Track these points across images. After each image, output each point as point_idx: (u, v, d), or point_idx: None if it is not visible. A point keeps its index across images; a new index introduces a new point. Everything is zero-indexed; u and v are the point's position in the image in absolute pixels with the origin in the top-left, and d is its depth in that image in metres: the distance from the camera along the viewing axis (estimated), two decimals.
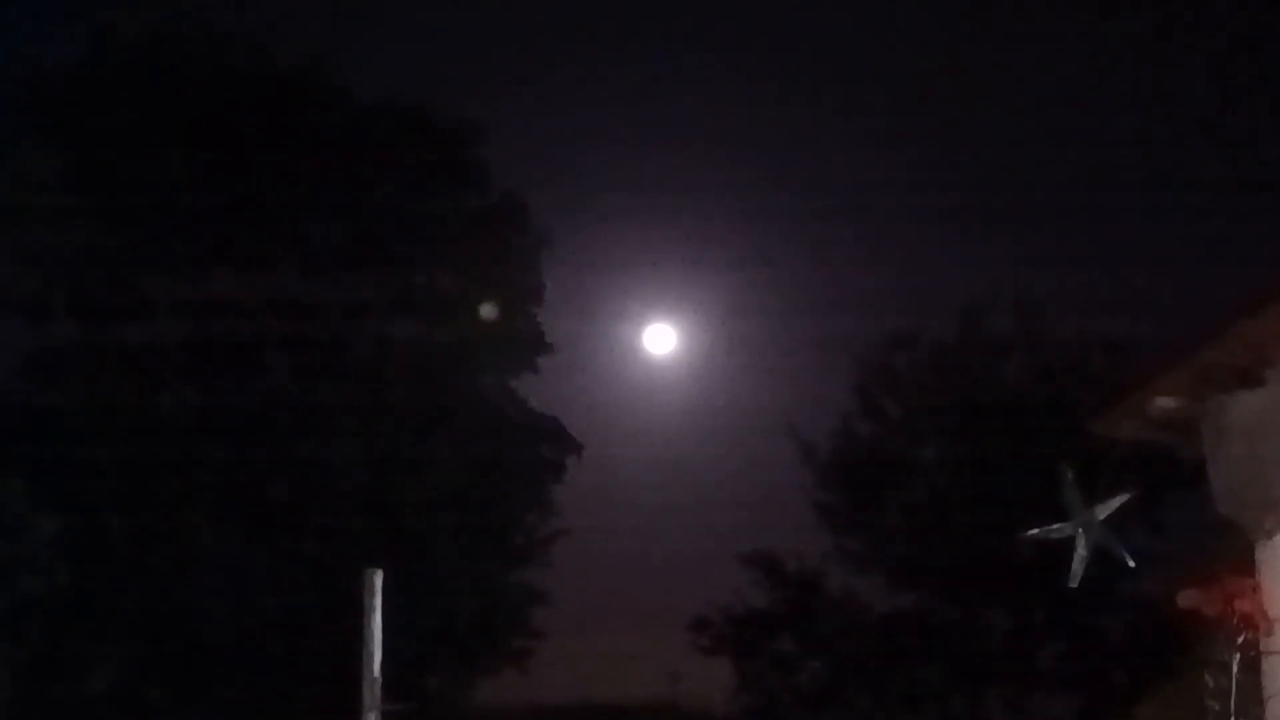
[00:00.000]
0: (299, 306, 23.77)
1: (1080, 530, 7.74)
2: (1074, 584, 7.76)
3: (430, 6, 25.06)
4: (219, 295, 23.73)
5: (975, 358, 26.05)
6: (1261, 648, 7.32)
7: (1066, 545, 7.69)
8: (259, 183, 23.39)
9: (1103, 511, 7.76)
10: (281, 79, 23.91)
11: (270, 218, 23.51)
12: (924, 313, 26.57)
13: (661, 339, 25.28)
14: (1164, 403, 7.76)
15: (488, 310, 23.85)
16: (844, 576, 27.48)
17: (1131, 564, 7.78)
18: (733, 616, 27.82)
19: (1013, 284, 25.87)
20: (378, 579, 8.65)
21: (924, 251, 26.10)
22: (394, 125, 24.32)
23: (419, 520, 23.06)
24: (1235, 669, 7.29)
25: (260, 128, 23.44)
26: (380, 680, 8.77)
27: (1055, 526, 7.78)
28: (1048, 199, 25.04)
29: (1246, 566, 7.55)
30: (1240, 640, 7.29)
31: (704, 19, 26.29)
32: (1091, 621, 25.05)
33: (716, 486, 26.69)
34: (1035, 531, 7.91)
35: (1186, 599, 7.36)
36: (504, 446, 24.32)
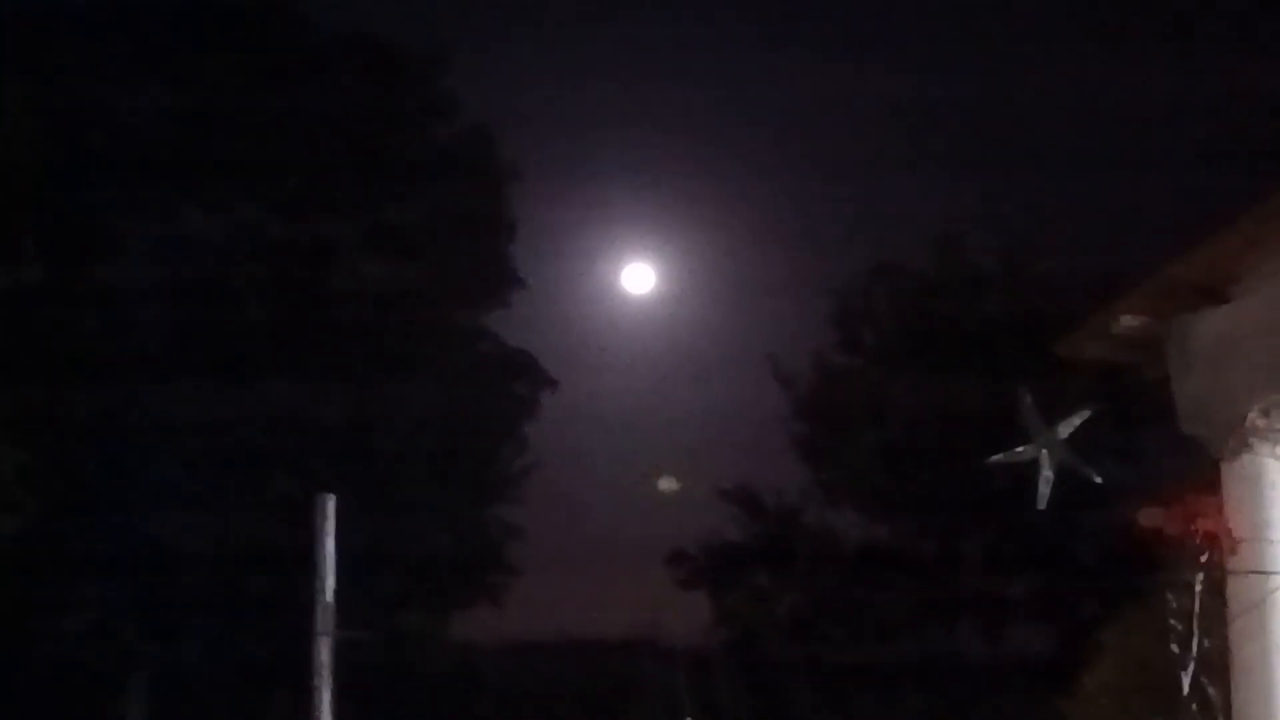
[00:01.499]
0: (265, 241, 23.56)
1: (1044, 452, 7.64)
2: (1041, 506, 7.68)
3: None
4: (184, 230, 23.49)
5: (953, 288, 25.92)
6: (1226, 567, 7.24)
7: (1035, 470, 7.60)
8: (221, 117, 23.09)
9: (1064, 430, 7.67)
10: (242, 9, 23.54)
11: (234, 152, 23.19)
12: (902, 244, 26.49)
13: (640, 277, 25.09)
14: (1128, 322, 7.66)
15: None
16: (821, 510, 27.67)
17: (1098, 481, 7.69)
18: (710, 550, 27.85)
19: (991, 212, 25.76)
20: (330, 504, 8.51)
21: (902, 182, 25.86)
22: (357, 55, 24.01)
23: (392, 456, 22.95)
24: (1198, 589, 7.21)
25: (221, 60, 23.15)
26: (333, 605, 8.63)
27: (1019, 450, 7.69)
28: (1024, 128, 24.80)
29: (1211, 486, 7.47)
30: (1203, 560, 7.21)
31: None
32: (1061, 548, 25.03)
33: (697, 422, 26.66)
34: (999, 456, 7.81)
35: (1149, 518, 7.27)
36: (477, 381, 24.22)
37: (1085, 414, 7.60)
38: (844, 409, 26.85)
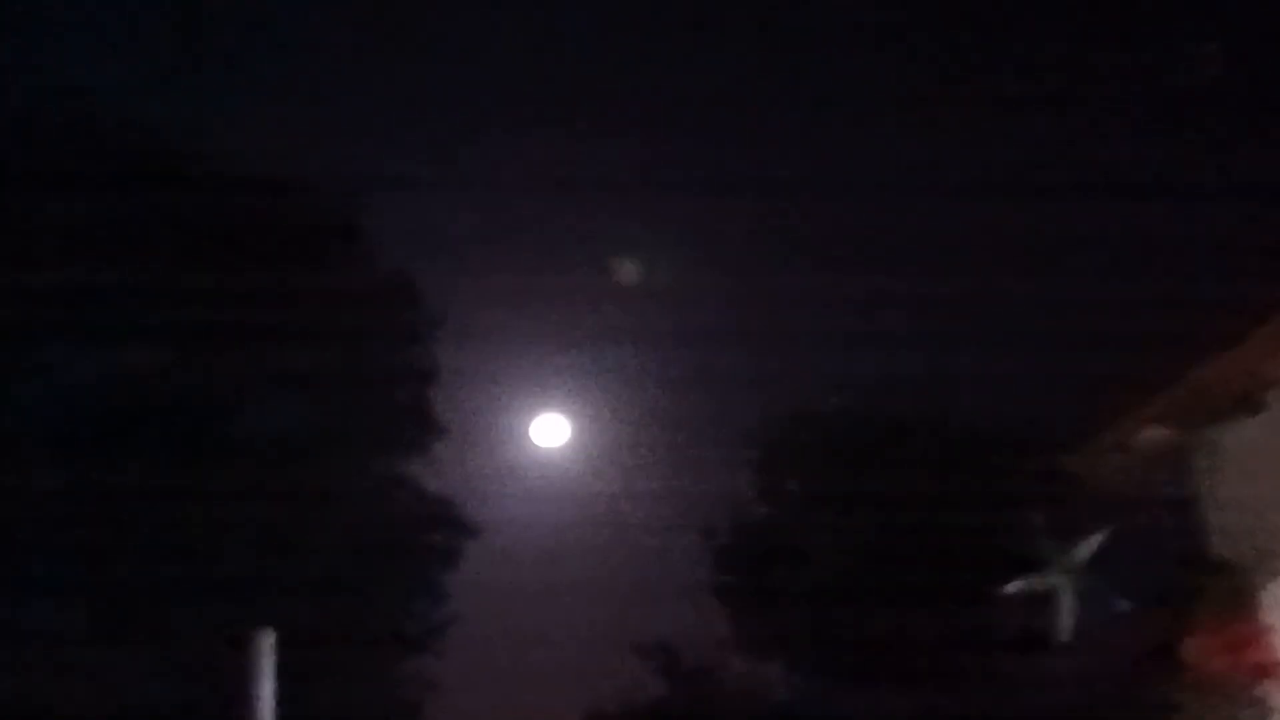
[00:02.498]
0: (179, 385, 22.72)
1: (1064, 579, 7.00)
2: (1065, 638, 7.01)
3: (315, 74, 24.16)
4: (92, 374, 22.62)
5: (880, 434, 25.46)
6: (1272, 701, 6.57)
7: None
8: (132, 257, 22.37)
9: (1084, 553, 7.03)
10: (152, 150, 22.88)
11: (146, 294, 22.45)
12: (827, 390, 25.95)
13: (557, 427, 24.75)
14: (1152, 434, 7.05)
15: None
16: (745, 663, 26.98)
17: (1126, 608, 7.05)
18: (628, 709, 27.07)
19: (920, 359, 25.28)
20: (268, 641, 7.64)
21: (828, 327, 25.38)
22: (272, 195, 23.43)
23: (304, 607, 21.95)
24: None
25: (133, 200, 22.46)
26: None
27: (1034, 577, 7.03)
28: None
29: (1247, 613, 6.82)
30: (1255, 694, 6.53)
31: (599, 94, 25.58)
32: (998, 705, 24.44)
33: (617, 576, 25.90)
34: (1015, 586, 7.15)
35: (1192, 652, 6.59)
36: (395, 531, 23.44)
37: (1104, 535, 6.98)
38: (766, 558, 26.31)
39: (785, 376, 25.86)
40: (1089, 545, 6.96)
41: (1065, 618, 6.94)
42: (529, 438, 25.05)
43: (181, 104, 22.67)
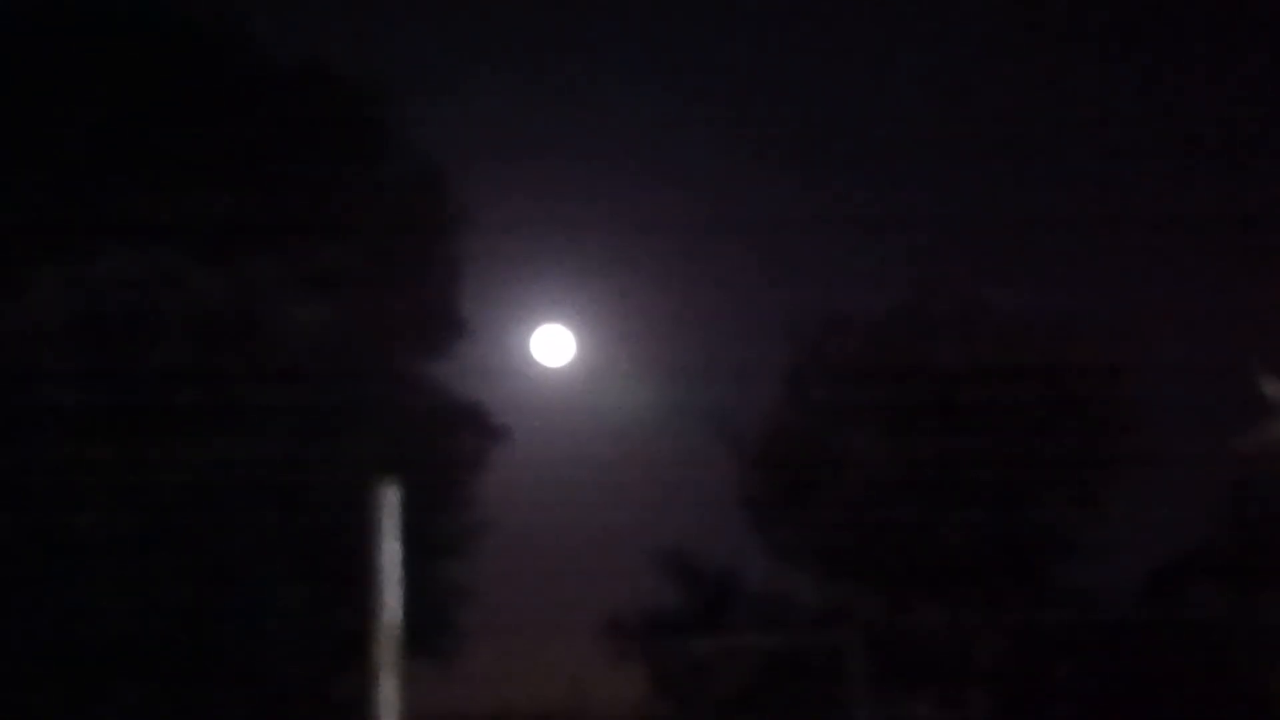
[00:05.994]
0: (196, 283, 22.13)
1: None
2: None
3: None
4: (107, 271, 21.99)
5: (911, 342, 25.07)
6: None
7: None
8: (147, 147, 21.76)
9: None
10: (173, 31, 22.15)
11: (162, 186, 21.83)
12: (858, 298, 25.53)
13: (581, 331, 24.11)
14: None
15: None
16: (772, 572, 26.71)
17: None
18: (647, 617, 26.79)
19: (952, 268, 24.95)
20: (393, 494, 7.13)
21: (857, 237, 24.91)
22: (299, 86, 22.74)
23: (333, 509, 21.50)
24: None
25: (150, 85, 21.77)
26: (401, 627, 7.23)
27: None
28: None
29: None
30: None
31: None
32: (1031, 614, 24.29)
33: (641, 483, 25.52)
34: (1247, 439, 6.69)
35: None
36: (422, 432, 22.90)
37: None
38: (797, 465, 25.95)
39: (816, 281, 25.51)
40: None
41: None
42: (545, 343, 24.55)
43: None
